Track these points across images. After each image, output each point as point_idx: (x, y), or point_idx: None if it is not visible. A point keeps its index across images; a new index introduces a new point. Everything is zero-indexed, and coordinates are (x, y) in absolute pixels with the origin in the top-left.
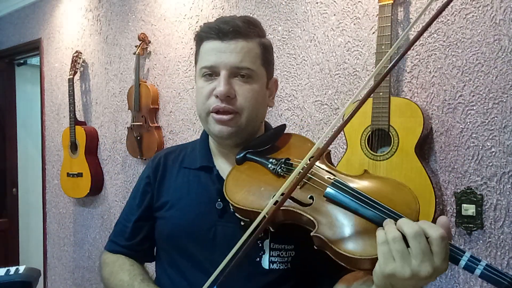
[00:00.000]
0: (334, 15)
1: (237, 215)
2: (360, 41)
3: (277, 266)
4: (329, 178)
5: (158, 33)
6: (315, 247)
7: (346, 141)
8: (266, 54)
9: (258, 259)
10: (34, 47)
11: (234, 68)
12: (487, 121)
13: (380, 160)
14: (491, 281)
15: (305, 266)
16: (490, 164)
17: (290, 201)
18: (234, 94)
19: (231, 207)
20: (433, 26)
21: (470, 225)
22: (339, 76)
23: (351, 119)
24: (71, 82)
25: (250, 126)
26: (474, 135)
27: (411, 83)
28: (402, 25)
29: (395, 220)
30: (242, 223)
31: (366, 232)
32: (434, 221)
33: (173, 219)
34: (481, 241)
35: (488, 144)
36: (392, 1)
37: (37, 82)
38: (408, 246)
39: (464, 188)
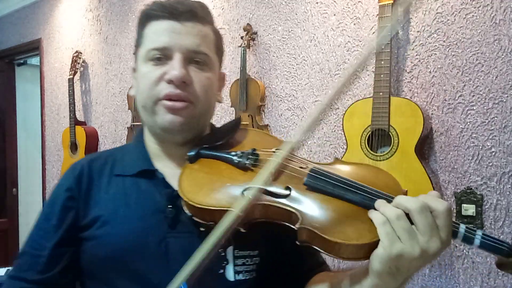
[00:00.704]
0: (334, 15)
1: (196, 219)
2: (360, 41)
3: (243, 277)
4: (302, 167)
5: None
6: (298, 243)
7: (346, 141)
8: (219, 43)
9: (221, 271)
10: (34, 47)
11: (191, 52)
12: (487, 121)
13: (380, 160)
14: (491, 249)
15: (270, 273)
16: (490, 164)
17: (265, 195)
18: (190, 81)
19: (189, 211)
20: (433, 26)
21: (470, 225)
22: (339, 76)
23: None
24: (71, 82)
25: (202, 120)
26: (474, 135)
27: (411, 83)
28: (402, 25)
29: (388, 201)
30: (201, 229)
31: (357, 217)
32: None
33: (110, 237)
34: None
35: (488, 144)
36: (392, 1)
37: (37, 82)
38: (411, 223)
39: (464, 188)
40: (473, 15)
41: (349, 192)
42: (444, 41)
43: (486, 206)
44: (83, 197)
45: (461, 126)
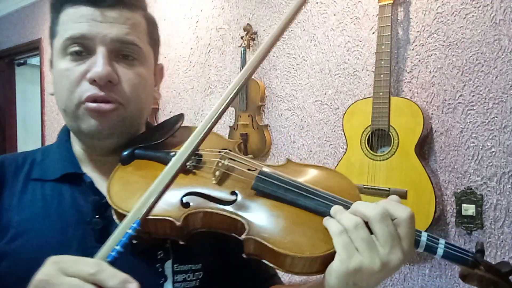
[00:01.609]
0: (334, 15)
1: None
2: (360, 41)
3: None
4: (251, 169)
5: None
6: (245, 256)
7: (346, 141)
8: (153, 31)
9: None
10: (34, 47)
11: (117, 43)
12: (487, 121)
13: (380, 160)
14: (454, 260)
15: (215, 287)
16: (490, 164)
17: (207, 201)
18: (118, 80)
19: (119, 221)
20: (433, 26)
21: (470, 225)
22: (339, 76)
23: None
24: None
25: (135, 122)
26: (474, 135)
27: (411, 83)
28: (402, 25)
29: (345, 207)
30: (134, 241)
31: (311, 225)
32: (434, 221)
33: (23, 254)
34: None
35: (488, 144)
36: (392, 1)
37: (37, 82)
38: (371, 233)
39: (464, 188)
40: (473, 15)
41: (302, 197)
42: (444, 41)
43: (486, 206)
44: None
45: (461, 126)
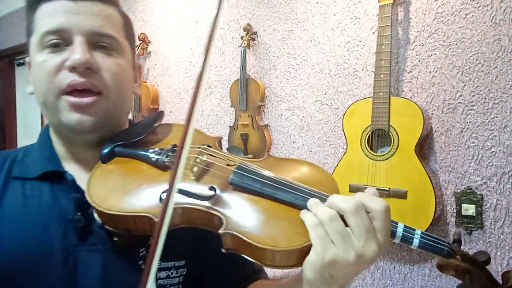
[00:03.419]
0: (334, 15)
1: (107, 228)
2: (360, 41)
3: None
4: (229, 165)
5: (158, 33)
6: (224, 251)
7: (346, 141)
8: (129, 27)
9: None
10: None
11: (94, 35)
12: (487, 121)
13: (380, 160)
14: (430, 250)
15: (199, 284)
16: (490, 164)
17: (186, 197)
18: (97, 67)
19: (100, 219)
20: (433, 26)
21: (470, 225)
22: (339, 76)
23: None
24: None
25: (117, 115)
26: (474, 135)
27: (411, 83)
28: (402, 25)
29: (322, 200)
30: (115, 239)
31: (288, 219)
32: (434, 221)
33: (5, 252)
34: (481, 241)
35: (488, 144)
36: (392, 1)
37: None
38: (346, 225)
39: (464, 188)
40: (473, 15)
41: (279, 191)
42: (444, 41)
43: (486, 206)
44: None
45: (461, 126)
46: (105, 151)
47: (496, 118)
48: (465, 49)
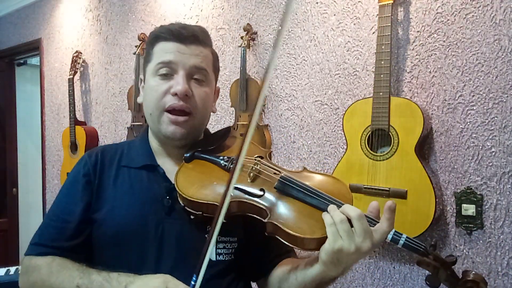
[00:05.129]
0: (334, 15)
1: (188, 209)
2: (360, 41)
3: (223, 258)
4: (275, 173)
5: None
6: (266, 234)
7: (346, 141)
8: (216, 62)
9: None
10: (34, 47)
11: (193, 68)
12: (487, 121)
13: (380, 160)
14: (411, 249)
15: (246, 256)
16: (490, 164)
17: (243, 194)
18: (192, 94)
19: (182, 202)
20: (433, 26)
21: (470, 225)
22: (339, 76)
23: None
24: (71, 82)
25: (199, 128)
26: (474, 135)
27: (411, 83)
28: (402, 25)
29: (338, 206)
30: (192, 217)
31: (313, 217)
32: (434, 221)
33: (117, 219)
34: (481, 241)
35: (488, 144)
36: (392, 1)
37: (37, 82)
38: (351, 226)
39: (464, 188)
40: (473, 15)
41: (308, 197)
42: (444, 41)
43: (486, 206)
44: (96, 182)
45: (461, 126)
46: (188, 154)
47: (496, 118)
48: (465, 49)
